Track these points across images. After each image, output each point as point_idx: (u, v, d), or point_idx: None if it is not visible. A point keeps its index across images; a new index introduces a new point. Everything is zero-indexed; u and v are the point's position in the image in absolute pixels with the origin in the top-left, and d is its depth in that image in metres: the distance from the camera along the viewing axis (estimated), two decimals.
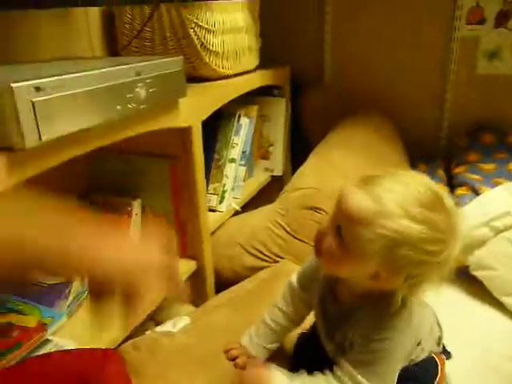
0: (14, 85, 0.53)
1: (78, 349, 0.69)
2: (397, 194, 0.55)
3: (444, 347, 0.77)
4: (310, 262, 0.75)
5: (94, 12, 1.10)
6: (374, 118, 1.49)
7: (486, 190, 1.19)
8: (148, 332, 0.86)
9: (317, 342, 0.71)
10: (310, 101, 1.56)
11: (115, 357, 0.54)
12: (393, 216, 0.54)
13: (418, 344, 0.67)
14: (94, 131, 0.67)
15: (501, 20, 1.39)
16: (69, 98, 0.60)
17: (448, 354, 0.78)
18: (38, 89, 0.55)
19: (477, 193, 1.21)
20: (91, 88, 0.63)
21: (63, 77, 0.59)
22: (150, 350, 0.77)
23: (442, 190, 0.60)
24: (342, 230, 0.58)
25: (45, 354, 0.68)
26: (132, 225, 1.05)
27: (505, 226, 1.07)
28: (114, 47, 1.13)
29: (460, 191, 1.26)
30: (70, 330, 0.84)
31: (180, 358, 0.77)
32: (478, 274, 1.10)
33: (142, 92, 0.73)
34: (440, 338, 0.76)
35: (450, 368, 0.87)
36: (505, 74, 1.42)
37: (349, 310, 0.65)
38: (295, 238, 1.12)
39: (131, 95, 0.71)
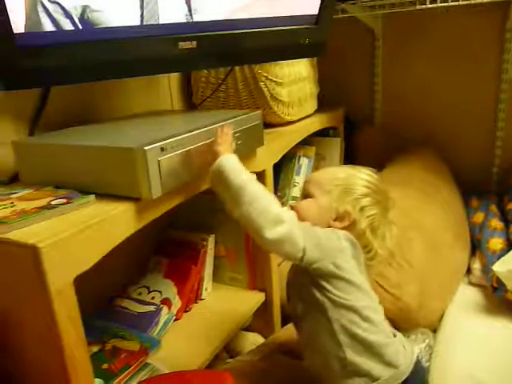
0: (146, 147, 0.64)
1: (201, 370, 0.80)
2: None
3: None
4: None
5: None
6: (426, 155, 1.56)
7: None
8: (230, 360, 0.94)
9: None
10: (362, 140, 1.65)
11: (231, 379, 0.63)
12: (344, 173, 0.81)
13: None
14: (198, 180, 0.78)
15: None
16: (183, 154, 0.71)
17: None
18: (162, 149, 0.67)
19: None
20: (199, 145, 0.75)
21: (179, 137, 0.71)
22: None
23: None
24: (310, 192, 0.80)
25: (176, 372, 0.78)
26: (207, 259, 1.15)
27: None
28: (190, 99, 1.26)
29: None
30: (162, 353, 0.93)
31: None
32: None
33: (233, 145, 0.84)
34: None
35: None
36: None
37: None
38: None
39: None
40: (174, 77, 1.25)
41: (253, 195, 0.69)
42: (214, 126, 0.79)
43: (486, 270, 1.28)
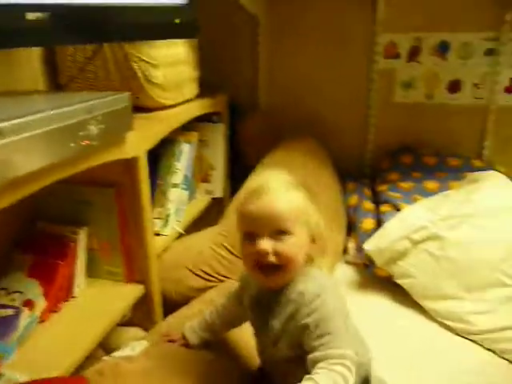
0: None
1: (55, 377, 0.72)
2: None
3: None
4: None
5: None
6: (307, 142, 1.61)
7: (406, 206, 1.34)
8: (106, 358, 0.88)
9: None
10: (246, 126, 1.65)
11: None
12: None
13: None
14: (48, 169, 0.70)
15: (413, 55, 1.58)
16: (27, 139, 0.63)
17: None
18: None
19: (398, 209, 1.36)
20: (47, 129, 0.67)
21: (22, 120, 0.62)
22: (114, 374, 0.79)
23: None
24: (287, 230, 0.71)
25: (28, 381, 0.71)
26: (79, 253, 1.07)
27: (422, 238, 1.21)
28: (56, 79, 1.15)
29: (383, 208, 1.40)
30: (23, 360, 0.84)
31: (144, 380, 0.80)
32: (400, 281, 1.23)
33: (93, 129, 0.77)
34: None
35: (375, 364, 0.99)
36: (418, 101, 1.61)
37: (280, 292, 0.75)
38: (239, 258, 1.19)
39: (84, 133, 0.75)
40: (36, 53, 1.12)
41: None
42: (67, 108, 0.71)
43: (360, 248, 1.37)
